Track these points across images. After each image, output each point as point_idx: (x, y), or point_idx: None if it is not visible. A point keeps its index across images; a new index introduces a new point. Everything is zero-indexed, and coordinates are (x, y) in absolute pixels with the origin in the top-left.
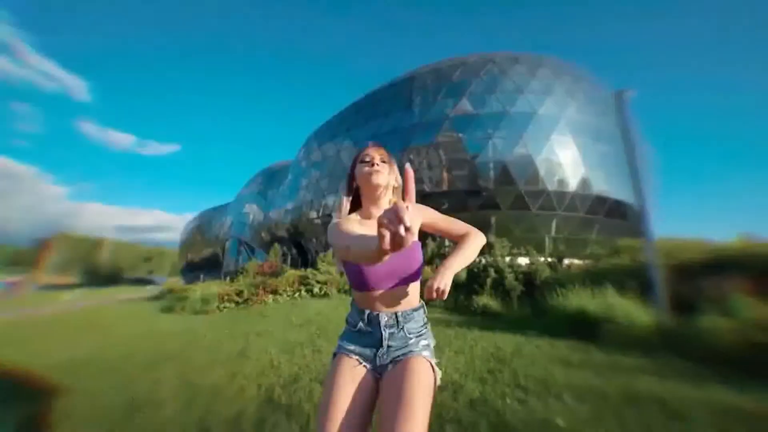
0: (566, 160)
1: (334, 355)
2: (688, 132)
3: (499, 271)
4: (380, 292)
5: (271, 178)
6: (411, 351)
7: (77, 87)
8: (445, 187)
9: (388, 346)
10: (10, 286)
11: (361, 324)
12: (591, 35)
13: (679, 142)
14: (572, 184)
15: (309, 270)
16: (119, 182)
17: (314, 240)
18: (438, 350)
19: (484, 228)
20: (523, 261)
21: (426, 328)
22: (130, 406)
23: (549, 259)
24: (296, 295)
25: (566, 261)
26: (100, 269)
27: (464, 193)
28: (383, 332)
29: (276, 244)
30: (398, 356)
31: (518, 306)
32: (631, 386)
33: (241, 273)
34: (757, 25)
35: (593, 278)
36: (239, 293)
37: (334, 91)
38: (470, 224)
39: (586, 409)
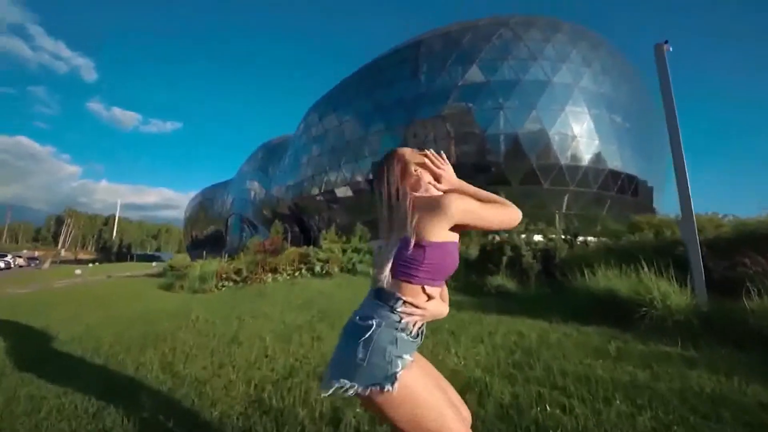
0: (580, 133)
1: (393, 378)
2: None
3: (515, 248)
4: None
5: (271, 153)
6: None
7: (86, 67)
8: (452, 162)
9: None
10: (32, 261)
11: (421, 329)
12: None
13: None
14: (585, 158)
15: (311, 248)
16: (127, 160)
17: (316, 217)
18: (453, 337)
19: None
20: (537, 238)
21: None
22: (102, 399)
23: (563, 236)
24: (296, 274)
25: (580, 238)
26: (110, 246)
27: (473, 168)
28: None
29: (277, 221)
30: None
31: (536, 286)
32: (692, 385)
33: (242, 251)
34: None
35: (618, 256)
36: (238, 272)
37: (338, 59)
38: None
39: (646, 419)
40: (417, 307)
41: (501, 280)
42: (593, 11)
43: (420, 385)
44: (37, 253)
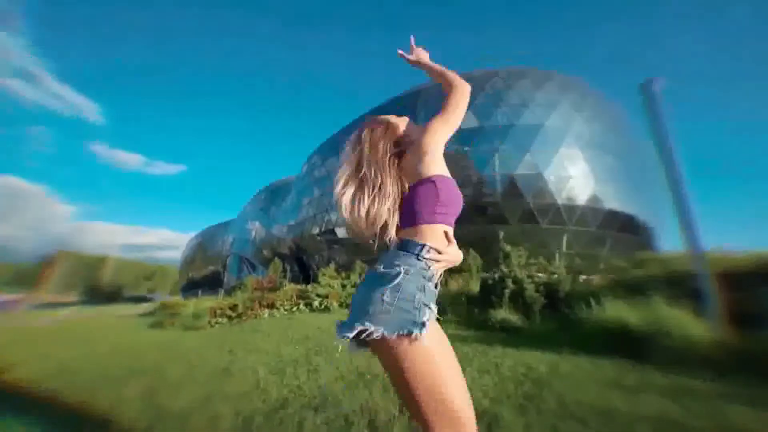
0: (575, 174)
1: (422, 326)
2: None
3: (517, 281)
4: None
5: (274, 194)
6: None
7: (90, 110)
8: None
9: None
10: (5, 305)
11: (440, 279)
12: (595, 45)
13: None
14: (582, 198)
15: (310, 285)
16: (126, 201)
17: (316, 256)
18: None
19: (492, 242)
20: (540, 274)
21: None
22: None
23: (566, 274)
24: (294, 309)
25: (582, 277)
26: (101, 287)
27: (471, 207)
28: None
29: (276, 259)
30: None
31: (541, 320)
32: (726, 418)
33: (239, 288)
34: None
35: (625, 288)
36: (233, 307)
37: (341, 106)
38: (478, 239)
39: None
40: (440, 252)
41: (504, 313)
42: (579, 60)
43: (440, 348)
44: (21, 295)
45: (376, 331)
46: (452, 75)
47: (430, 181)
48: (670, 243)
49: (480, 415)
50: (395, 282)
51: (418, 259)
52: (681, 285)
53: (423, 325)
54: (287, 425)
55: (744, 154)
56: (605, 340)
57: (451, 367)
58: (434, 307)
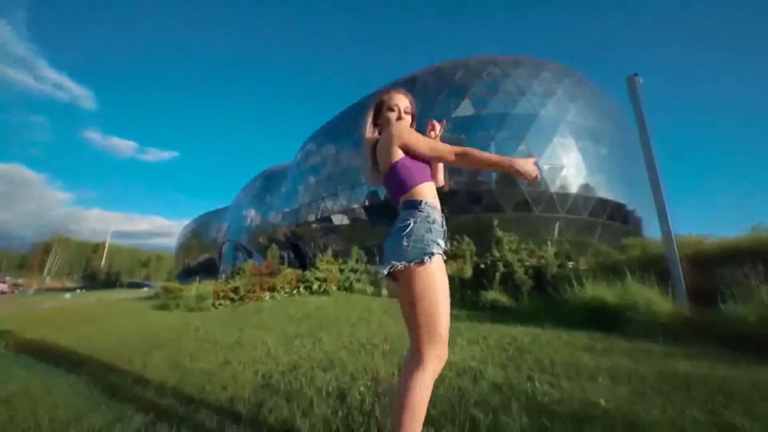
0: (568, 163)
1: (431, 254)
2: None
3: (507, 265)
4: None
5: (269, 181)
6: None
7: (85, 97)
8: (446, 189)
9: None
10: (18, 288)
11: (443, 220)
12: (587, 37)
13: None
14: (574, 186)
15: (308, 270)
16: (120, 188)
17: (312, 243)
18: (449, 340)
19: (487, 230)
20: (529, 259)
21: None
22: (114, 387)
23: (556, 261)
24: (294, 292)
25: (570, 264)
26: (97, 273)
27: (466, 195)
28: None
29: (273, 245)
30: None
31: (529, 300)
32: (667, 368)
33: (238, 273)
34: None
35: (607, 271)
36: (235, 290)
37: (335, 93)
38: (472, 227)
39: (626, 389)
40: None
41: (495, 294)
42: (572, 48)
43: (443, 283)
44: (21, 280)
45: (400, 264)
46: (476, 160)
47: (400, 162)
48: (656, 231)
49: (466, 371)
50: (408, 230)
51: (420, 211)
52: (655, 267)
53: (431, 254)
54: (301, 381)
55: (730, 151)
56: (584, 316)
57: (446, 296)
58: (441, 243)
